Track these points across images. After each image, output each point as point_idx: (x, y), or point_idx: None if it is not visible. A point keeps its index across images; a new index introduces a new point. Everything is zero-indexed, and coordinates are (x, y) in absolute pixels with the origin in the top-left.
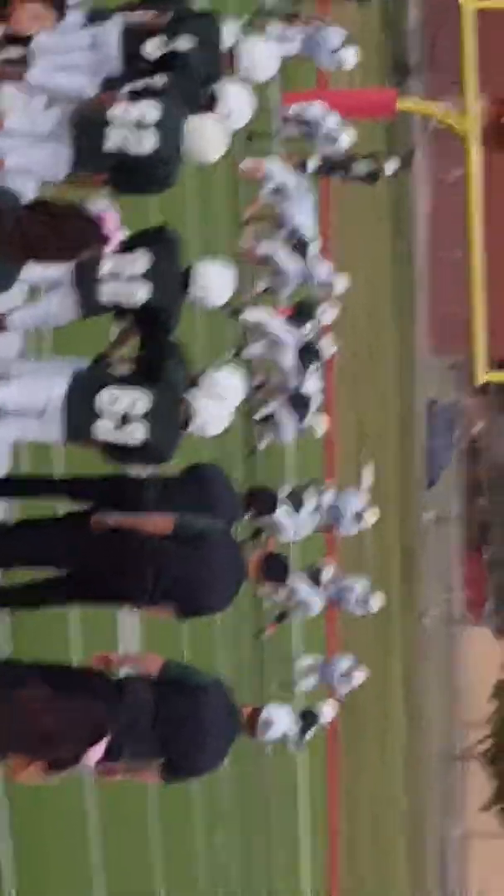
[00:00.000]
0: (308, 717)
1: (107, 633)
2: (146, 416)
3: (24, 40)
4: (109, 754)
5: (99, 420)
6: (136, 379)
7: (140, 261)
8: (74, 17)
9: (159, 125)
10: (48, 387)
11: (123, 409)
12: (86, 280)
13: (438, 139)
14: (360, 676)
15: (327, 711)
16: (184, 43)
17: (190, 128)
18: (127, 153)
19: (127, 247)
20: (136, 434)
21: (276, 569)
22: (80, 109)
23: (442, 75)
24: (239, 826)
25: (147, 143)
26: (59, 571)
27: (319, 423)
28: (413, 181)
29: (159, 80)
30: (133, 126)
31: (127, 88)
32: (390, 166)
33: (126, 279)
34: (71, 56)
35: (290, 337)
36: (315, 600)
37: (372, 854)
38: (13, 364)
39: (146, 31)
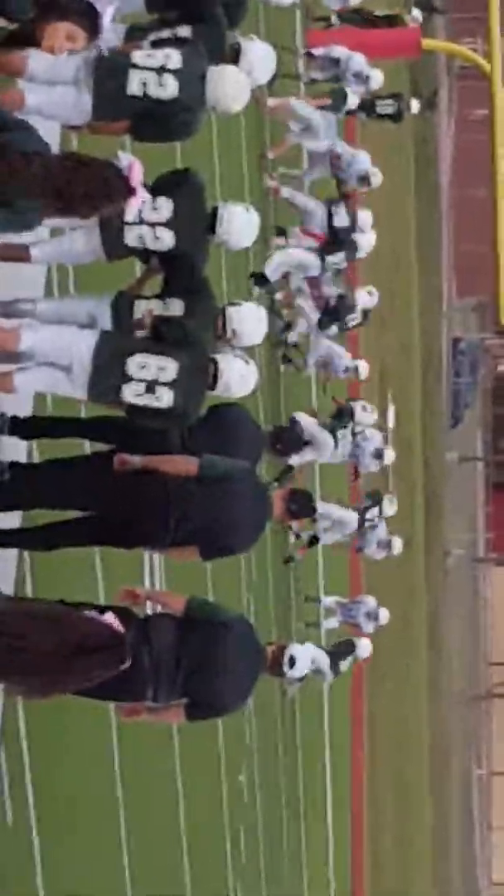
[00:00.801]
0: (344, 647)
1: (131, 575)
2: (173, 383)
3: None
4: (135, 694)
5: (126, 384)
6: (163, 343)
7: (164, 207)
8: None
9: (181, 71)
10: (76, 342)
11: (151, 377)
12: (111, 224)
13: (463, 78)
14: (385, 615)
15: (364, 645)
16: None
17: (212, 77)
18: (149, 98)
19: (152, 191)
20: (163, 399)
21: (302, 505)
22: (101, 55)
23: (466, 14)
24: (264, 764)
25: (169, 88)
26: (81, 513)
27: (362, 366)
28: (437, 120)
29: (184, 30)
30: (155, 71)
31: (151, 38)
32: (414, 105)
33: (151, 224)
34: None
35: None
36: (351, 515)
37: (395, 791)
38: (39, 302)
39: None
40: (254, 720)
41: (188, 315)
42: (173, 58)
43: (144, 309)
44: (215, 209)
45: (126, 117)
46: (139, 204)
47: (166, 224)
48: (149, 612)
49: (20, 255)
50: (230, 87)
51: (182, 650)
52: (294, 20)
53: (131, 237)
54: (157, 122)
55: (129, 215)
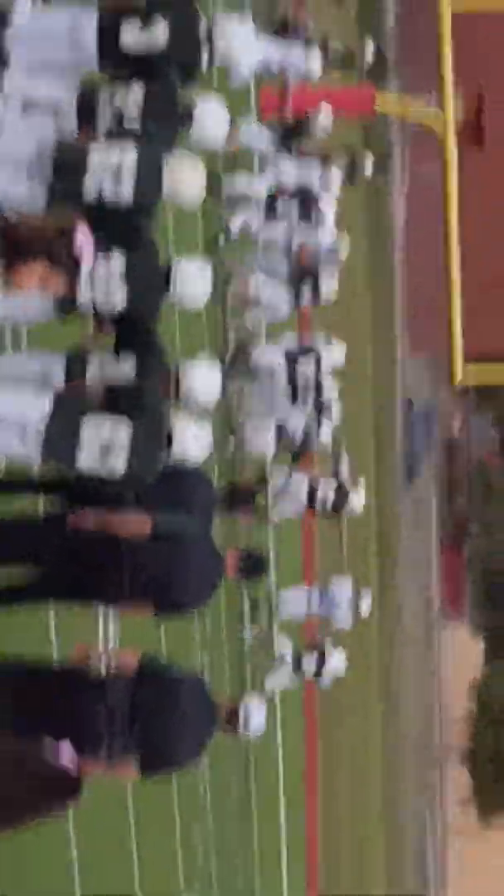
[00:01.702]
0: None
1: (85, 631)
2: (128, 446)
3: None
4: (87, 749)
5: (80, 449)
6: (117, 409)
7: (116, 262)
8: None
9: (138, 169)
10: (30, 406)
11: (105, 441)
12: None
13: (416, 136)
14: (367, 601)
15: (338, 659)
16: (160, 30)
17: (169, 170)
18: (104, 198)
19: (105, 246)
20: (118, 464)
21: (254, 565)
22: (57, 150)
23: (419, 73)
24: (218, 819)
25: (125, 188)
26: (36, 569)
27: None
28: (390, 178)
29: (137, 87)
30: (111, 173)
31: (103, 129)
32: (368, 165)
33: (104, 281)
34: (48, 48)
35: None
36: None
37: (350, 852)
38: None
39: (121, 16)
40: (208, 777)
41: (141, 374)
42: (129, 157)
43: (96, 367)
44: (169, 266)
45: (80, 211)
46: (86, 266)
47: (119, 279)
48: (102, 669)
49: None
50: (186, 180)
51: (135, 706)
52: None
53: (83, 294)
54: (112, 218)
55: (81, 271)
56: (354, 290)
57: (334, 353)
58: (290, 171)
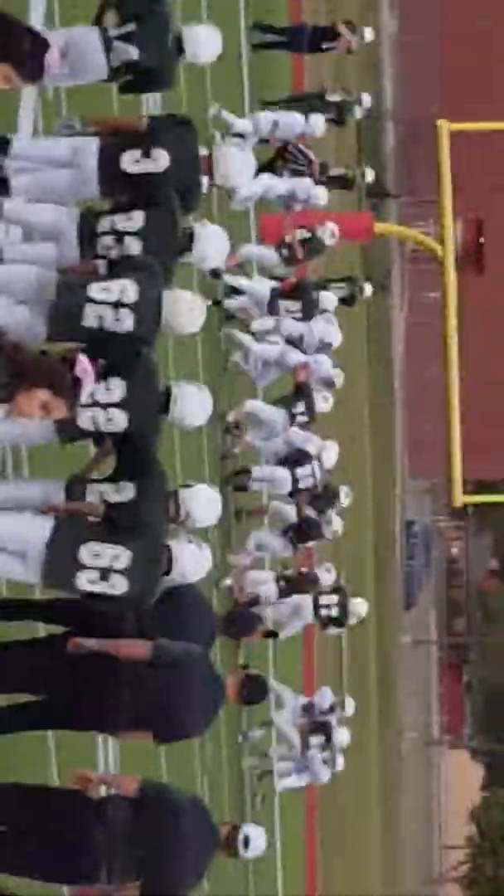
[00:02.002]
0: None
1: (84, 756)
2: (127, 570)
3: (2, 144)
4: (87, 873)
5: (80, 572)
6: (116, 531)
7: (117, 388)
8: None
9: (138, 305)
10: (30, 530)
11: (105, 564)
12: None
13: (415, 261)
14: (351, 705)
15: (343, 735)
16: (161, 157)
17: (167, 303)
18: (104, 331)
19: (105, 372)
20: (118, 587)
21: (255, 690)
22: (58, 284)
23: (419, 199)
24: None
25: (126, 323)
26: (34, 696)
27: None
28: (390, 302)
29: (136, 220)
30: (111, 305)
31: (103, 252)
32: (367, 289)
33: (104, 406)
34: (49, 175)
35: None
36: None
37: None
38: None
39: (123, 144)
40: None
41: (141, 498)
42: (129, 292)
43: (96, 494)
44: (168, 389)
45: (80, 342)
46: (87, 391)
47: (119, 405)
48: (102, 793)
49: None
50: (184, 315)
51: (135, 831)
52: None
53: (84, 419)
54: (112, 349)
55: (82, 397)
56: (355, 413)
57: (330, 454)
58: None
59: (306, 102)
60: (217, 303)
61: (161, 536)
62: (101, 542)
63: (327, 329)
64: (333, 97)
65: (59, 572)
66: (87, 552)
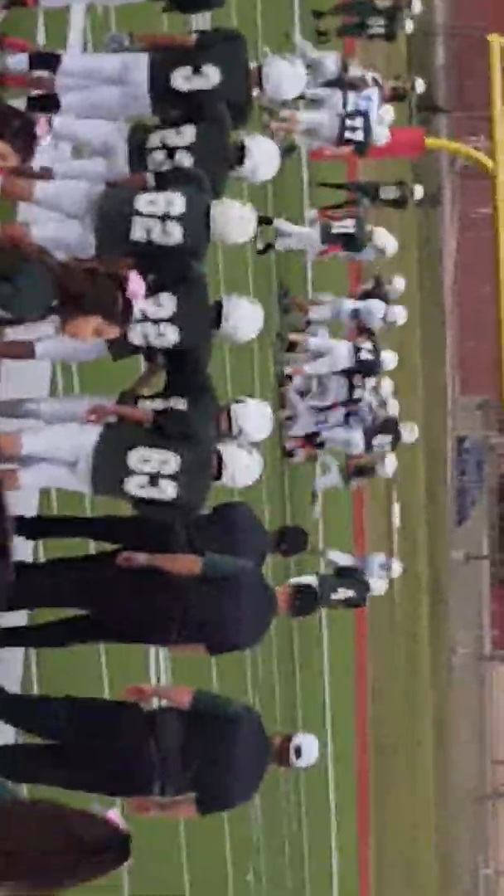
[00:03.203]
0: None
1: (136, 670)
2: (176, 475)
3: (51, 61)
4: (141, 787)
5: (129, 478)
6: (165, 437)
7: (168, 303)
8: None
9: (185, 217)
10: (78, 439)
11: (154, 469)
12: None
13: (466, 177)
14: (398, 567)
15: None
16: (211, 73)
17: (216, 215)
18: (153, 244)
19: (155, 287)
20: (167, 492)
21: (306, 601)
22: (105, 196)
23: (470, 113)
24: (271, 860)
25: (174, 236)
26: (85, 611)
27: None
28: (441, 219)
29: (187, 135)
30: (159, 219)
31: (153, 168)
32: (418, 191)
33: (155, 321)
34: (99, 91)
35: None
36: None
37: (403, 891)
38: (43, 402)
39: (173, 60)
40: (261, 818)
41: (192, 411)
42: (176, 203)
43: (148, 408)
44: (219, 303)
45: (130, 257)
46: (138, 309)
47: (170, 320)
48: (154, 705)
49: (24, 352)
50: (234, 224)
51: (189, 744)
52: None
53: (135, 335)
54: (161, 263)
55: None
56: (406, 329)
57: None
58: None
59: (356, 9)
60: (267, 248)
61: (210, 442)
62: (149, 447)
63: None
64: (384, 2)
65: (107, 478)
66: (135, 457)
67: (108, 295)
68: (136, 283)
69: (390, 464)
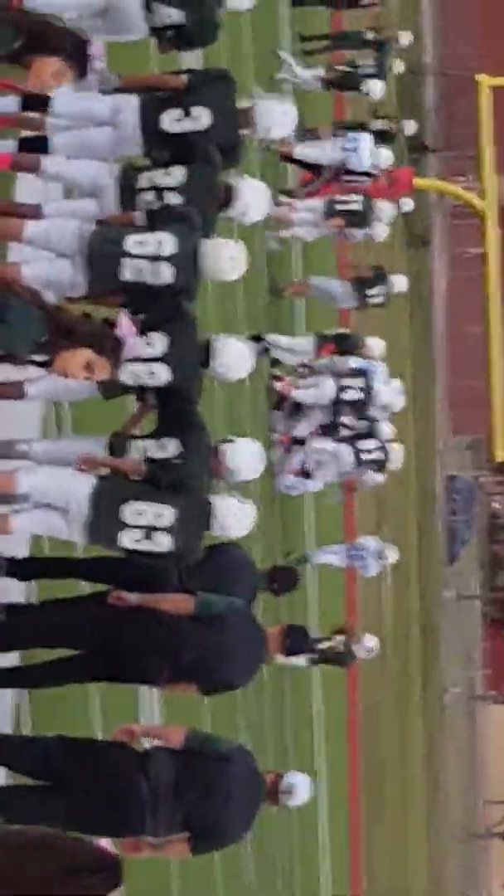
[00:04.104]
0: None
1: (128, 709)
2: (171, 528)
3: (42, 102)
4: (134, 829)
5: (123, 532)
6: (158, 489)
7: (158, 342)
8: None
9: (176, 257)
10: (72, 486)
11: (148, 523)
12: None
13: (455, 216)
14: (394, 553)
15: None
16: (202, 116)
17: (206, 253)
18: (143, 284)
19: (145, 327)
20: (163, 545)
21: (297, 640)
22: (95, 236)
23: (458, 153)
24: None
25: (164, 276)
26: (78, 651)
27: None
28: (430, 258)
29: (176, 176)
30: (149, 259)
31: (143, 208)
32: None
33: (145, 360)
34: (90, 133)
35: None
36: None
37: None
38: (34, 443)
39: (163, 103)
40: (252, 855)
41: (184, 453)
42: (166, 244)
43: (139, 451)
44: (208, 342)
45: (121, 295)
46: (130, 351)
47: (161, 359)
48: (146, 745)
49: (15, 393)
50: (224, 262)
51: (181, 783)
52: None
53: (126, 374)
54: (151, 301)
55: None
56: (396, 368)
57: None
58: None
59: (347, 40)
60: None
61: (203, 492)
62: (143, 500)
63: None
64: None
65: (102, 531)
66: (129, 511)
67: (99, 329)
68: (126, 325)
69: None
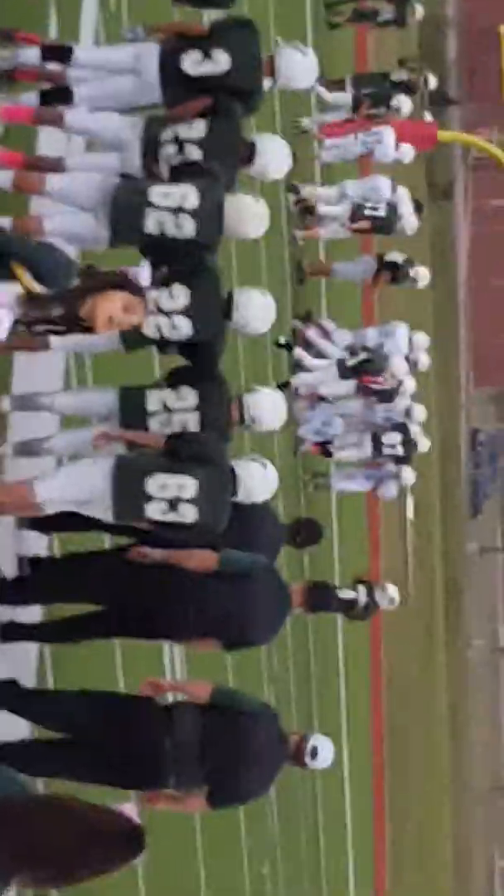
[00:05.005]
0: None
1: (152, 666)
2: (195, 499)
3: (62, 54)
4: (155, 783)
5: (149, 504)
6: (180, 461)
7: (181, 295)
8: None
9: (198, 211)
10: (91, 479)
11: (172, 495)
12: None
13: (478, 169)
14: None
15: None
16: (221, 58)
17: (229, 210)
18: (165, 236)
19: (168, 279)
20: (188, 516)
21: (321, 598)
22: (119, 188)
23: (481, 105)
24: (287, 854)
25: (186, 229)
26: (100, 606)
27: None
28: (454, 211)
29: (198, 129)
30: (172, 212)
31: (166, 164)
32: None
33: (168, 313)
34: (112, 82)
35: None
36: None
37: (419, 883)
38: (57, 396)
39: (183, 45)
40: (276, 810)
41: (203, 405)
42: (190, 197)
43: (156, 399)
44: (231, 294)
45: (142, 246)
46: (150, 304)
47: (183, 312)
48: (170, 699)
49: (38, 344)
50: (247, 220)
51: (206, 739)
52: (310, 110)
53: (148, 326)
54: (174, 255)
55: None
56: (420, 322)
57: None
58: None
59: None
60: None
61: (225, 461)
62: (165, 472)
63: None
64: None
65: (128, 506)
66: (153, 484)
67: (123, 276)
68: (146, 275)
69: (409, 476)
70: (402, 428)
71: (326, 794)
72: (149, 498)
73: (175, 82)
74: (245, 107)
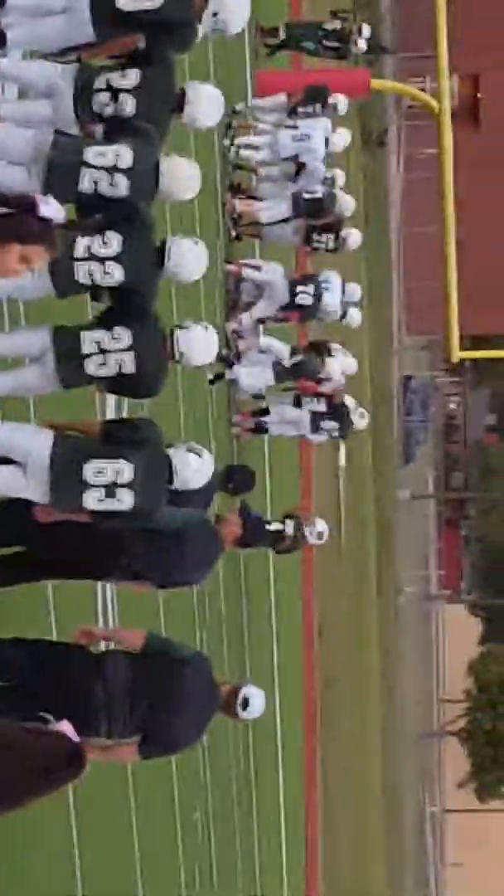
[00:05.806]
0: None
1: (84, 611)
2: (132, 483)
3: None
4: (86, 729)
5: (87, 492)
6: (116, 446)
7: (114, 241)
8: None
9: (133, 170)
10: (32, 443)
11: (109, 481)
12: (61, 260)
13: (412, 118)
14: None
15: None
16: None
17: (164, 171)
18: (100, 195)
19: (101, 226)
20: (125, 501)
21: (254, 533)
22: (55, 146)
23: (415, 54)
24: (219, 799)
25: (120, 188)
26: (29, 549)
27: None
28: (386, 160)
29: (132, 77)
30: (107, 170)
31: (98, 109)
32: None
33: (101, 260)
34: (42, 23)
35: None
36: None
37: (350, 831)
38: None
39: None
40: (208, 757)
41: (136, 343)
42: (124, 157)
43: (90, 340)
44: (164, 243)
45: (76, 203)
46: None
47: (115, 258)
48: (103, 647)
49: None
50: (181, 181)
51: (137, 686)
52: (244, 60)
53: (81, 273)
54: (107, 205)
55: (78, 250)
56: (351, 269)
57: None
58: None
59: None
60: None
61: (161, 445)
62: (102, 458)
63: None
64: None
65: (65, 493)
66: (90, 470)
67: (16, 220)
68: (43, 200)
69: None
70: (338, 416)
71: (258, 735)
72: (86, 486)
73: (107, 19)
74: (178, 43)
